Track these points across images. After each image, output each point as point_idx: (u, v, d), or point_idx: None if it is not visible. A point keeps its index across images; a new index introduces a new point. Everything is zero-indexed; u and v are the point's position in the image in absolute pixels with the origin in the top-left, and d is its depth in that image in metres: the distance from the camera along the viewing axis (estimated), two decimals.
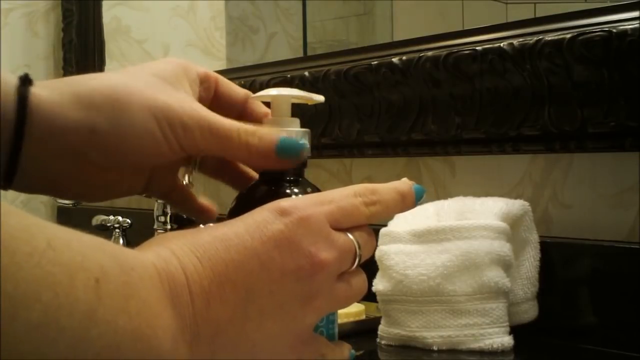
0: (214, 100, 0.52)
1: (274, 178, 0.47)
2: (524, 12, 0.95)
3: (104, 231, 1.22)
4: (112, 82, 0.45)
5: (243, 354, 0.38)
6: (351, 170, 1.11)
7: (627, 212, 0.80)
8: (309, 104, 0.51)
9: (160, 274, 0.35)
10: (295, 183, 0.47)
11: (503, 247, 0.74)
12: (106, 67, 1.61)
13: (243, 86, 0.79)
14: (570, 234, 0.84)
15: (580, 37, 0.79)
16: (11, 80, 0.43)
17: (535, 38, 0.83)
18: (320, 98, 0.50)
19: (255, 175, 0.51)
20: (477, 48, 0.88)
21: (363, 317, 0.86)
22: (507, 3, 1.02)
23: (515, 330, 0.75)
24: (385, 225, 0.80)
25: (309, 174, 0.49)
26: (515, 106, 0.86)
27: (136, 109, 0.44)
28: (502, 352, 0.73)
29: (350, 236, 0.42)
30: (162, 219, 1.06)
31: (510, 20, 0.91)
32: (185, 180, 0.52)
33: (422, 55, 0.94)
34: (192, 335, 0.36)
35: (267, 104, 0.52)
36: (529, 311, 0.79)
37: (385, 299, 0.77)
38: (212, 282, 0.37)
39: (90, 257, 0.32)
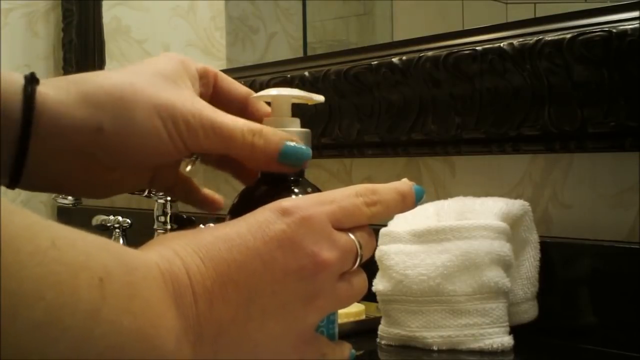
0: (215, 96, 0.52)
1: (275, 178, 0.47)
2: (524, 12, 0.95)
3: (104, 231, 1.22)
4: (117, 80, 0.45)
5: (246, 354, 0.38)
6: (351, 170, 1.11)
7: (627, 212, 0.81)
8: (309, 104, 0.51)
9: (164, 275, 0.36)
10: (296, 183, 0.47)
11: (503, 247, 0.74)
12: (106, 67, 1.61)
13: None
14: (570, 234, 0.84)
15: (580, 37, 0.79)
16: (17, 80, 0.43)
17: (535, 38, 0.83)
18: (320, 98, 0.50)
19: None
20: (477, 48, 0.88)
21: (363, 317, 0.86)
22: (507, 3, 1.02)
23: (515, 330, 0.75)
24: (385, 225, 0.80)
25: (309, 174, 0.49)
26: (515, 106, 0.86)
27: (141, 107, 0.44)
28: (502, 352, 0.73)
29: (352, 236, 0.42)
30: (162, 219, 1.06)
31: (510, 20, 0.90)
32: (188, 168, 0.51)
33: (422, 55, 0.94)
34: (196, 336, 0.36)
35: (268, 104, 0.52)
36: (529, 311, 0.79)
37: (385, 299, 0.77)
38: (215, 283, 0.37)
39: (94, 256, 0.32)
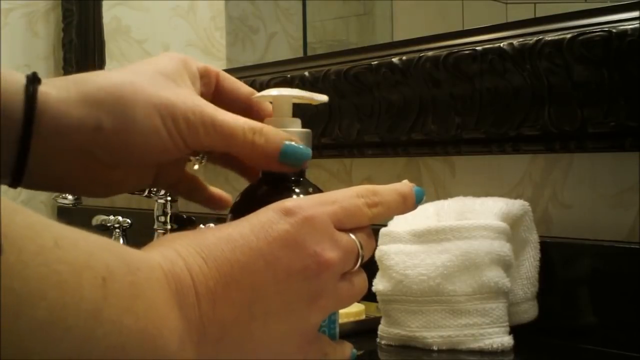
0: (217, 95, 0.51)
1: (277, 177, 0.47)
2: (524, 12, 0.95)
3: (104, 231, 1.22)
4: (117, 79, 0.45)
5: (249, 354, 0.38)
6: (351, 170, 1.11)
7: (627, 212, 0.81)
8: (312, 104, 0.51)
9: (167, 275, 0.36)
10: (298, 183, 0.47)
11: (503, 247, 0.74)
12: (106, 67, 1.61)
13: None
14: (570, 234, 0.84)
15: (580, 37, 0.79)
16: (19, 79, 0.43)
17: (535, 38, 0.83)
18: (323, 98, 0.49)
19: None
20: (477, 48, 0.88)
21: (363, 317, 0.86)
22: (507, 3, 1.02)
23: (515, 330, 0.75)
24: (385, 225, 0.80)
25: (309, 174, 0.49)
26: (515, 106, 0.86)
27: (141, 106, 0.44)
28: (502, 352, 0.73)
29: (353, 237, 0.42)
30: (162, 219, 1.06)
31: (510, 20, 0.91)
32: (195, 167, 0.51)
33: (422, 55, 0.94)
34: (199, 336, 0.36)
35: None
36: (529, 311, 0.79)
37: (385, 299, 0.78)
38: (218, 283, 0.37)
39: (96, 256, 0.32)
